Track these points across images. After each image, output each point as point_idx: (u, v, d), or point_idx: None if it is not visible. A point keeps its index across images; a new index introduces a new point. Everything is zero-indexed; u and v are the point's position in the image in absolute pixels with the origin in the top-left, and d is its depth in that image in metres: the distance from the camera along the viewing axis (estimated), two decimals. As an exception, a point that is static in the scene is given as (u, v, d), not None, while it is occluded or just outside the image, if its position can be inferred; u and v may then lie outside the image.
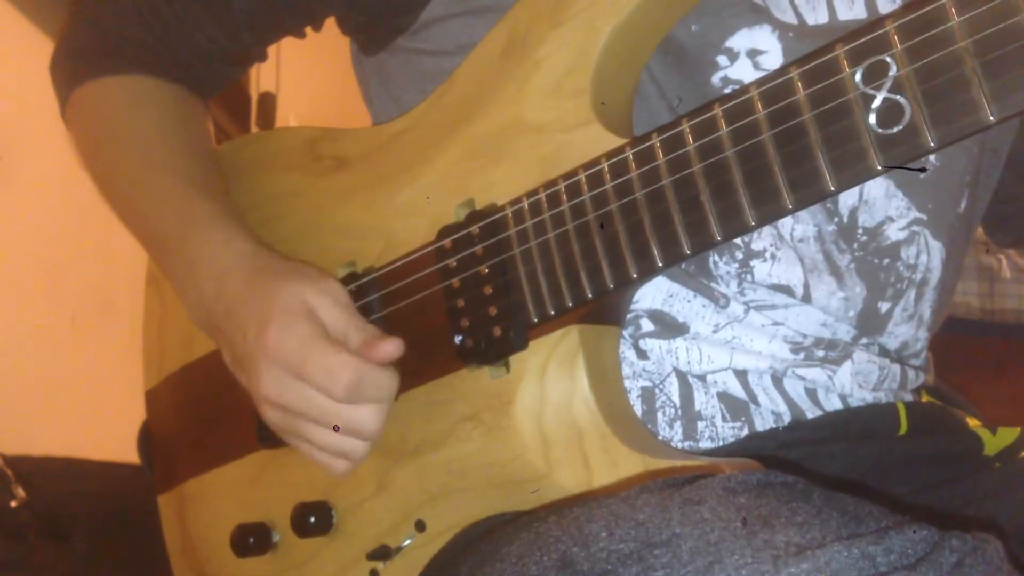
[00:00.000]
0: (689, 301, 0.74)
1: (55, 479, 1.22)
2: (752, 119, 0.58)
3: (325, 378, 0.69)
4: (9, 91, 1.57)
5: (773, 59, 0.73)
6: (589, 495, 0.66)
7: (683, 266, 0.74)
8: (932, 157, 0.78)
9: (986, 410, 0.89)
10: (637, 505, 0.53)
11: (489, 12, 0.75)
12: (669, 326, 0.74)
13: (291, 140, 0.90)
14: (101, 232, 1.59)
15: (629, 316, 0.74)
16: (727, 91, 0.73)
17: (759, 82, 0.58)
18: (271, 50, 0.97)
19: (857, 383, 0.77)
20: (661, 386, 0.74)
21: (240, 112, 2.08)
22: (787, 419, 0.75)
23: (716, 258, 0.74)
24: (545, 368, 0.69)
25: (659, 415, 0.74)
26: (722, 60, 0.73)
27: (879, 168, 0.54)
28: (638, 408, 0.74)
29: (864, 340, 0.78)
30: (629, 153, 0.64)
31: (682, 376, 0.74)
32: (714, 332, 0.74)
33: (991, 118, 0.50)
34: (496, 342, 0.70)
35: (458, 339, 0.72)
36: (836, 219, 0.75)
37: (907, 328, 0.80)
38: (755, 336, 0.74)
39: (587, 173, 0.66)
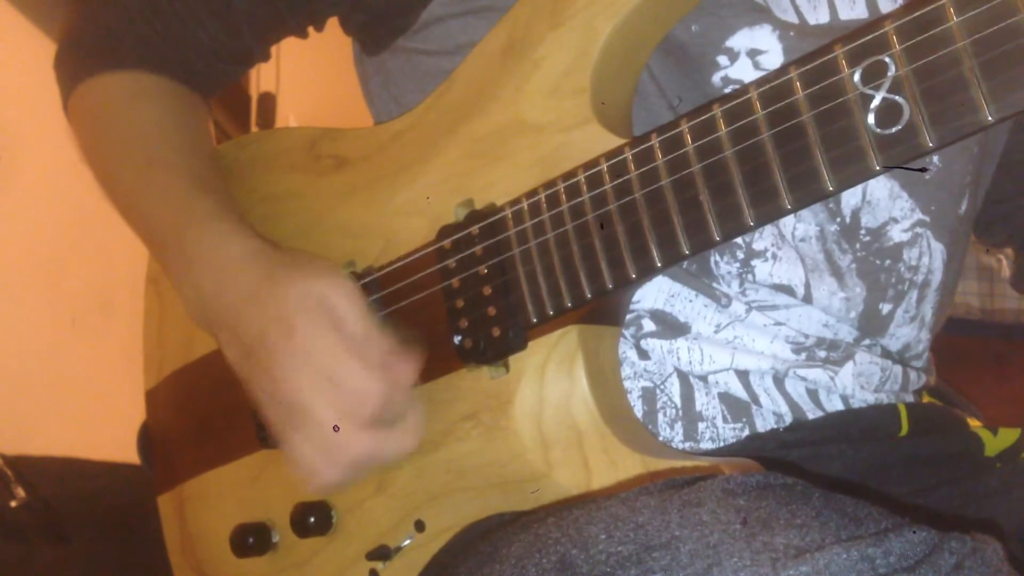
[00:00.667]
0: (691, 301, 0.73)
1: (55, 479, 1.22)
2: (751, 119, 0.58)
3: (354, 399, 0.67)
4: (9, 91, 1.57)
5: (774, 59, 0.73)
6: (588, 495, 0.66)
7: (685, 266, 0.73)
8: (935, 158, 0.78)
9: (987, 411, 0.89)
10: (636, 507, 0.53)
11: (489, 12, 0.75)
12: (671, 326, 0.74)
13: (291, 140, 0.90)
14: (101, 232, 1.59)
15: (631, 316, 0.74)
16: (727, 91, 0.73)
17: (758, 82, 0.58)
18: (271, 51, 0.97)
19: (859, 384, 0.77)
20: (662, 386, 0.74)
21: (240, 112, 2.08)
22: (788, 420, 0.75)
23: (717, 258, 0.74)
24: (544, 368, 0.68)
25: (660, 416, 0.74)
26: (722, 60, 0.73)
27: (877, 168, 0.54)
28: (639, 408, 0.74)
29: (866, 341, 0.78)
30: (628, 153, 0.64)
31: (683, 376, 0.74)
32: (716, 332, 0.74)
33: (990, 118, 0.50)
34: (495, 342, 0.70)
35: (457, 339, 0.72)
36: (838, 219, 0.75)
37: (909, 330, 0.80)
38: (757, 336, 0.74)
39: (586, 173, 0.66)
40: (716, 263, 0.74)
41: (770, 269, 0.74)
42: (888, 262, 0.77)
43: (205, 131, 0.92)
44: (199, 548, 0.94)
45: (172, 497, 0.98)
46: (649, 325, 0.74)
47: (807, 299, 0.74)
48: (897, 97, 0.53)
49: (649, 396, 0.74)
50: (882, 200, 0.75)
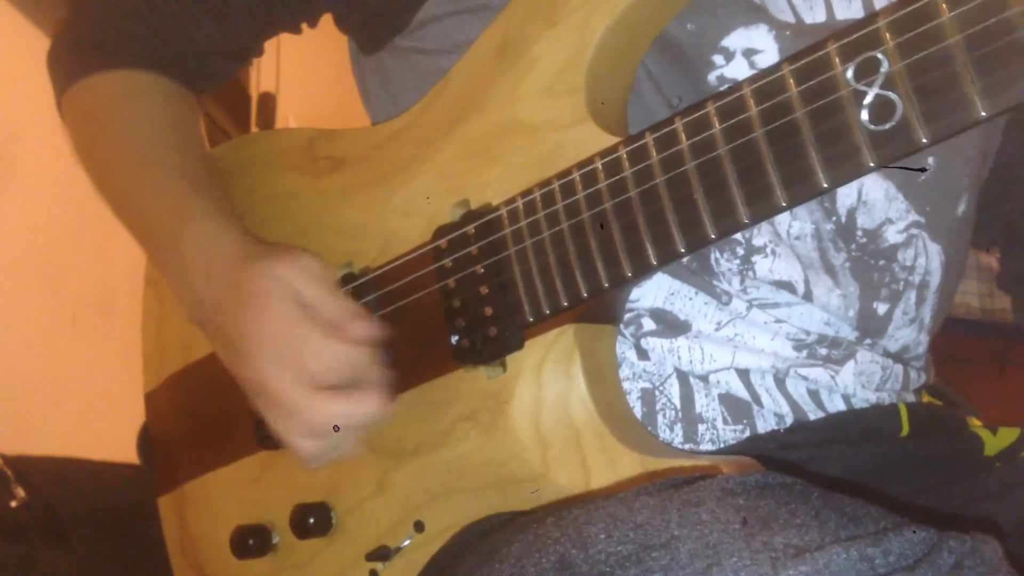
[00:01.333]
0: (691, 299, 0.73)
1: (55, 479, 1.22)
2: (745, 116, 0.58)
3: (301, 361, 0.68)
4: (9, 91, 1.57)
5: (769, 58, 0.72)
6: (587, 495, 0.66)
7: (685, 263, 0.73)
8: (931, 160, 0.77)
9: (986, 410, 0.89)
10: (635, 507, 0.53)
11: (485, 11, 0.75)
12: (671, 324, 0.74)
13: (289, 140, 0.90)
14: (101, 232, 1.59)
15: (630, 315, 0.74)
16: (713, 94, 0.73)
17: (751, 79, 0.58)
18: (271, 51, 0.97)
19: (860, 383, 0.77)
20: (661, 388, 0.74)
21: (240, 112, 2.08)
22: (789, 420, 0.75)
23: (718, 255, 0.74)
24: (541, 368, 0.68)
25: (659, 417, 0.74)
26: (718, 59, 0.72)
27: (871, 164, 0.54)
28: (638, 410, 0.74)
29: (867, 341, 0.78)
30: (623, 152, 0.64)
31: (683, 377, 0.74)
32: (716, 330, 0.73)
33: (983, 113, 0.50)
34: (492, 342, 0.70)
35: (454, 339, 0.72)
36: (834, 218, 0.75)
37: (908, 331, 0.80)
38: (757, 333, 0.74)
39: (581, 172, 0.66)
40: (716, 260, 0.74)
41: (770, 265, 0.73)
42: (882, 262, 0.76)
43: (198, 130, 0.92)
44: (200, 549, 0.94)
45: (173, 498, 0.98)
46: (649, 324, 0.74)
47: (807, 296, 0.74)
48: (890, 93, 0.53)
49: (648, 398, 0.74)
50: (878, 201, 0.75)
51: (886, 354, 0.79)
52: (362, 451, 0.75)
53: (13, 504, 1.14)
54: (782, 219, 0.74)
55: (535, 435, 0.69)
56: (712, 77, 0.72)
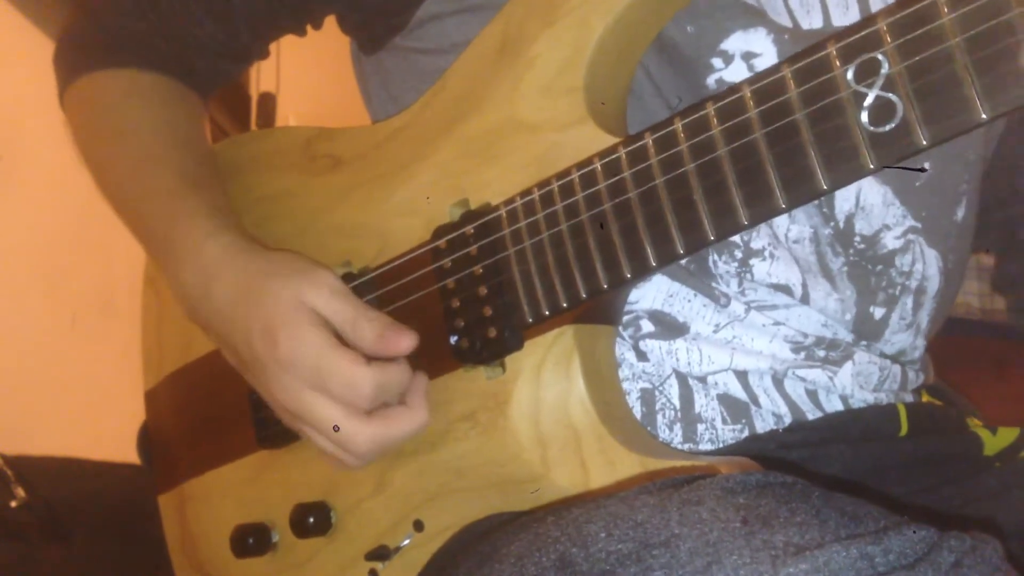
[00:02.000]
0: (689, 301, 0.73)
1: (55, 479, 1.22)
2: (744, 117, 0.58)
3: (347, 392, 0.68)
4: (9, 91, 1.57)
5: (768, 62, 0.72)
6: (587, 496, 0.66)
7: (683, 265, 0.73)
8: (927, 164, 0.77)
9: (986, 410, 0.89)
10: (636, 506, 0.53)
11: (483, 10, 0.75)
12: (669, 326, 0.74)
13: (287, 139, 0.90)
14: (101, 232, 1.58)
15: (629, 317, 0.74)
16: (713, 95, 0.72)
17: (751, 80, 0.58)
18: (271, 51, 0.97)
19: (858, 384, 0.77)
20: (661, 388, 0.74)
21: (240, 112, 2.07)
22: (788, 420, 0.75)
23: (716, 257, 0.74)
24: (541, 368, 0.68)
25: (659, 417, 0.74)
26: (717, 62, 0.72)
27: (871, 166, 0.54)
28: (638, 410, 0.74)
29: (863, 343, 0.78)
30: (622, 152, 0.64)
31: (682, 378, 0.74)
32: (714, 332, 0.73)
33: (984, 115, 0.50)
34: (491, 342, 0.70)
35: (454, 339, 0.72)
36: (832, 223, 0.75)
37: (905, 336, 0.80)
38: (756, 336, 0.74)
39: (580, 172, 0.66)
40: (715, 262, 0.74)
41: (768, 268, 0.73)
42: (880, 267, 0.77)
43: (200, 129, 0.92)
44: (200, 548, 0.94)
45: (173, 497, 0.98)
46: (647, 326, 0.74)
47: (805, 299, 0.74)
48: (890, 95, 0.53)
49: (648, 398, 0.74)
50: (876, 206, 0.75)
51: (883, 355, 0.79)
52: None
53: (13, 504, 1.14)
54: (780, 222, 0.74)
55: (534, 435, 0.69)
56: (711, 80, 0.72)
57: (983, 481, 0.79)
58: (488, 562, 0.58)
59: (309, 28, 0.92)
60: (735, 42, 0.72)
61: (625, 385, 0.74)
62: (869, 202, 0.75)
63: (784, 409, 0.74)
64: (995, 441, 0.82)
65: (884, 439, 0.78)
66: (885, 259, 0.76)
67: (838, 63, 0.54)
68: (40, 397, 1.58)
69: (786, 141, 0.56)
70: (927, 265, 0.79)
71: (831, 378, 0.75)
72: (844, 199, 0.75)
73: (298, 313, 0.70)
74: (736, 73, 0.72)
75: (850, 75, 0.54)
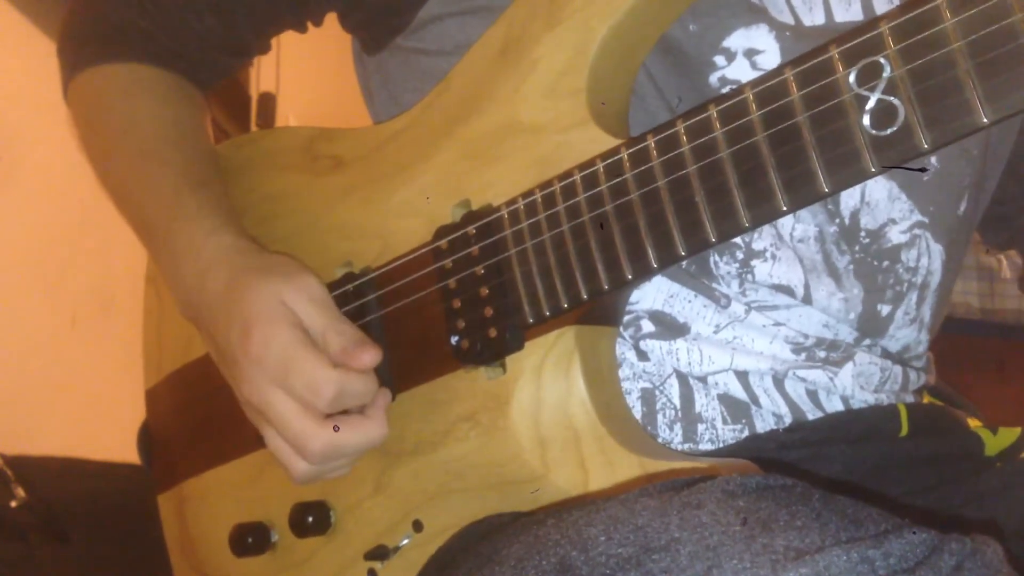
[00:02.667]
0: (690, 301, 0.73)
1: (55, 479, 1.22)
2: (747, 120, 0.58)
3: (307, 392, 0.68)
4: (9, 91, 1.57)
5: (771, 59, 0.72)
6: (586, 497, 0.66)
7: (684, 266, 0.73)
8: (933, 160, 0.77)
9: (986, 410, 0.89)
10: (636, 509, 0.53)
11: (486, 12, 0.75)
12: (670, 327, 0.74)
13: (289, 140, 0.90)
14: (101, 232, 1.59)
15: (629, 317, 0.74)
16: (725, 91, 0.72)
17: (754, 83, 0.58)
18: (271, 51, 0.97)
19: (859, 384, 0.76)
20: (661, 388, 0.74)
21: (240, 112, 2.07)
22: (788, 420, 0.75)
23: (717, 258, 0.74)
24: (541, 369, 0.68)
25: (659, 417, 0.74)
26: (719, 60, 0.72)
27: (873, 170, 0.54)
28: (638, 410, 0.74)
29: (866, 342, 0.77)
30: (624, 154, 0.64)
31: (683, 378, 0.74)
32: (715, 332, 0.73)
33: (985, 120, 0.50)
34: (492, 343, 0.70)
35: (454, 340, 0.72)
36: (837, 220, 0.75)
37: (909, 331, 0.80)
38: (756, 336, 0.74)
39: (582, 174, 0.66)
40: (715, 263, 0.74)
41: (770, 269, 0.73)
42: (886, 263, 0.76)
43: (201, 125, 0.92)
44: (199, 547, 0.94)
45: (172, 496, 0.98)
46: (648, 326, 0.74)
47: (806, 300, 0.74)
48: (892, 98, 0.53)
49: (648, 397, 0.74)
50: (881, 201, 0.75)
51: (885, 355, 0.79)
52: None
53: (13, 504, 1.14)
54: (785, 222, 0.74)
55: (534, 436, 0.68)
56: (714, 78, 0.72)
57: (984, 481, 0.79)
58: (488, 564, 0.58)
59: (310, 25, 0.92)
60: (737, 39, 0.72)
61: (625, 385, 0.74)
62: (875, 197, 0.75)
63: (784, 409, 0.74)
64: (996, 441, 0.82)
65: (885, 439, 0.78)
66: (891, 254, 0.76)
67: (840, 66, 0.54)
68: (40, 397, 1.58)
69: (788, 144, 0.56)
70: (932, 260, 0.79)
71: (832, 379, 0.75)
72: (849, 195, 0.75)
73: (275, 312, 0.71)
74: (739, 70, 0.72)
75: (852, 78, 0.54)
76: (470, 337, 0.71)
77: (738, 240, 0.73)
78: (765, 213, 0.58)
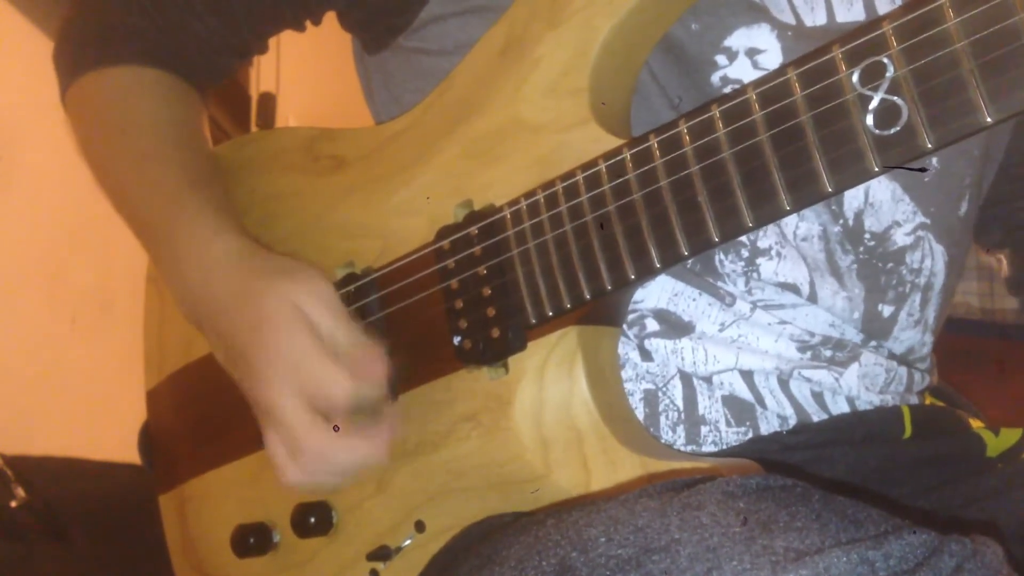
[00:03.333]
0: (695, 300, 0.73)
1: (55, 479, 1.22)
2: (749, 120, 0.58)
3: (319, 396, 0.68)
4: (9, 91, 1.57)
5: (772, 58, 0.72)
6: (588, 497, 0.66)
7: (689, 264, 0.73)
8: (934, 160, 0.77)
9: (988, 411, 0.89)
10: (636, 510, 0.53)
11: (487, 11, 0.75)
12: (674, 326, 0.74)
13: (290, 140, 0.90)
14: (101, 232, 1.58)
15: (634, 316, 0.74)
16: (726, 90, 0.72)
17: (756, 83, 0.58)
18: (271, 51, 0.96)
19: (864, 385, 0.76)
20: (664, 389, 0.74)
21: (240, 112, 2.07)
22: (793, 422, 0.75)
23: (722, 256, 0.74)
24: (544, 369, 0.68)
25: (662, 419, 0.74)
26: (721, 59, 0.72)
27: (876, 169, 0.54)
28: (640, 411, 0.74)
29: (872, 344, 0.77)
30: (627, 154, 0.64)
31: (686, 379, 0.74)
32: (720, 331, 0.73)
33: (988, 119, 0.50)
34: (494, 343, 0.70)
35: (457, 340, 0.72)
36: (841, 221, 0.75)
37: (913, 333, 0.80)
38: (761, 335, 0.74)
39: (585, 174, 0.66)
40: (721, 261, 0.74)
41: (775, 267, 0.73)
42: (890, 265, 0.76)
43: (200, 127, 0.92)
44: (200, 548, 0.94)
45: (173, 497, 0.98)
46: (652, 325, 0.74)
47: (812, 298, 0.74)
48: (896, 98, 0.53)
49: (651, 399, 0.74)
50: (885, 203, 0.75)
51: (891, 356, 0.79)
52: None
53: (13, 504, 1.14)
54: (789, 220, 0.74)
55: (537, 436, 0.69)
56: (715, 77, 0.72)
57: (986, 482, 0.79)
58: (488, 565, 0.58)
59: (310, 25, 0.91)
60: (739, 39, 0.72)
61: (628, 386, 0.74)
62: (878, 199, 0.75)
63: (789, 411, 0.74)
64: (997, 442, 0.82)
65: (888, 441, 0.78)
66: (895, 256, 0.76)
67: (843, 66, 0.54)
68: (40, 397, 1.58)
69: (791, 144, 0.56)
70: (935, 261, 0.79)
71: (837, 379, 0.75)
72: (853, 196, 0.75)
73: (288, 315, 0.70)
74: (740, 70, 0.72)
75: (855, 78, 0.54)
76: (472, 337, 0.71)
77: (743, 238, 0.73)
78: (768, 213, 0.58)
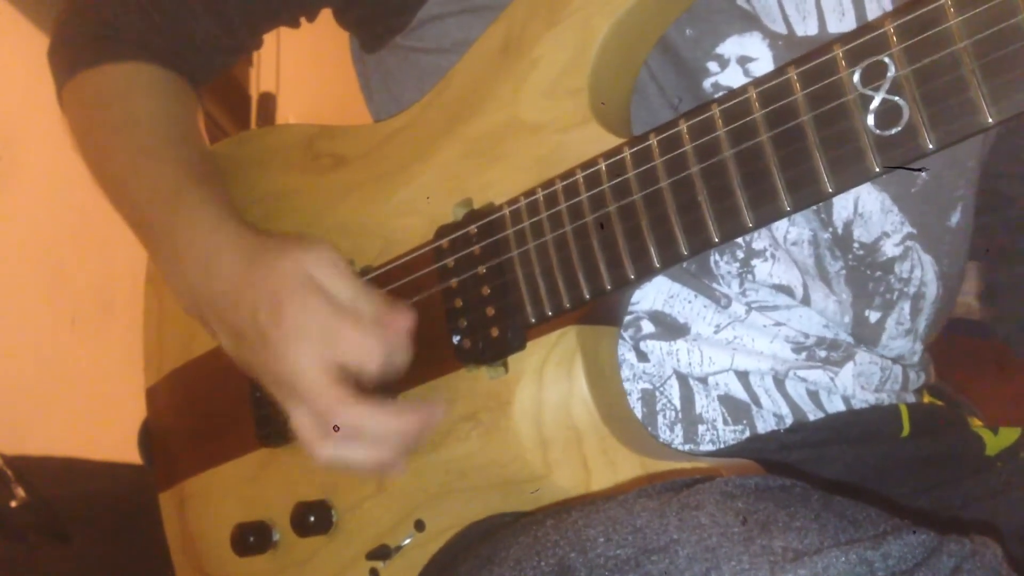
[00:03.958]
0: (690, 302, 0.73)
1: (55, 479, 1.22)
2: (750, 119, 0.58)
3: (356, 358, 0.67)
4: (9, 91, 1.57)
5: (763, 66, 0.72)
6: (588, 497, 0.66)
7: (684, 265, 0.73)
8: (924, 172, 0.77)
9: (987, 410, 0.89)
10: (635, 510, 0.53)
11: (486, 10, 0.75)
12: (670, 327, 0.74)
13: (289, 138, 0.90)
14: (101, 232, 1.58)
15: (630, 318, 0.74)
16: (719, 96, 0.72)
17: (757, 82, 0.58)
18: (271, 51, 0.97)
19: (859, 384, 0.76)
20: (662, 388, 0.74)
21: (240, 112, 2.07)
22: (789, 421, 0.75)
23: (717, 257, 0.74)
24: (543, 369, 0.68)
25: (659, 418, 0.74)
26: (713, 66, 0.72)
27: (877, 169, 0.54)
28: (638, 411, 0.74)
29: (863, 347, 0.78)
30: (627, 153, 0.64)
31: (683, 378, 0.74)
32: (715, 333, 0.73)
33: (990, 120, 0.50)
34: (494, 343, 0.70)
35: (456, 339, 0.72)
36: (830, 229, 0.75)
37: (904, 342, 0.80)
38: (757, 336, 0.74)
39: (584, 173, 0.66)
40: (716, 263, 0.74)
41: (770, 269, 0.73)
42: (879, 274, 0.77)
43: (197, 124, 0.92)
44: (200, 546, 0.94)
45: (173, 495, 0.98)
46: (648, 327, 0.74)
47: (805, 301, 0.74)
48: (897, 98, 0.53)
49: (648, 398, 0.74)
50: (874, 213, 0.75)
51: (884, 356, 0.79)
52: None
53: (13, 504, 1.14)
54: (779, 224, 0.74)
55: (536, 436, 0.69)
56: (707, 84, 0.73)
57: (985, 481, 0.79)
58: (488, 565, 0.58)
59: (308, 24, 0.92)
60: (731, 46, 0.72)
61: (626, 386, 0.74)
62: (867, 209, 0.75)
63: (785, 410, 0.74)
64: (996, 441, 0.82)
65: (886, 440, 0.78)
66: (884, 266, 0.77)
67: (844, 65, 0.54)
68: (40, 397, 1.58)
69: (791, 144, 0.56)
70: (924, 271, 0.79)
71: (832, 379, 0.75)
72: (842, 206, 0.75)
73: (304, 284, 0.69)
74: (732, 77, 0.72)
75: (856, 78, 0.54)
76: (472, 336, 0.71)
77: (739, 240, 0.73)
78: (768, 213, 0.58)
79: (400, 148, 0.79)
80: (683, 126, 0.61)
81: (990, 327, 0.97)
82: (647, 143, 0.63)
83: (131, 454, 1.04)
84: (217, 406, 0.91)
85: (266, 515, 0.85)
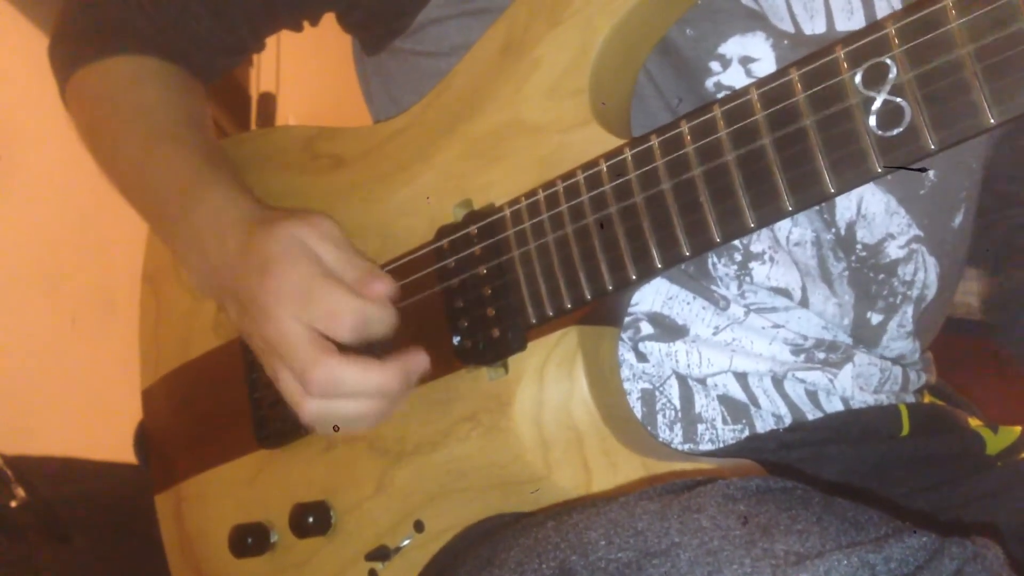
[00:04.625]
0: (689, 303, 0.73)
1: (55, 479, 1.22)
2: (751, 120, 0.58)
3: (328, 318, 0.68)
4: (9, 91, 1.57)
5: (766, 67, 0.72)
6: (588, 498, 0.66)
7: (683, 267, 0.73)
8: (931, 172, 0.77)
9: (987, 410, 0.89)
10: (636, 513, 0.53)
11: (486, 13, 0.75)
12: (668, 329, 0.74)
13: (288, 138, 0.90)
14: (101, 232, 1.59)
15: (628, 319, 0.74)
16: (720, 96, 0.72)
17: (759, 83, 0.58)
18: (271, 51, 0.97)
19: (858, 386, 0.76)
20: (661, 388, 0.74)
21: (240, 112, 2.07)
22: (788, 421, 0.75)
23: (715, 259, 0.74)
24: (544, 369, 0.68)
25: (659, 417, 0.74)
26: (715, 66, 0.72)
27: (879, 170, 0.54)
28: (638, 410, 0.74)
29: (862, 348, 0.77)
30: (628, 154, 0.64)
31: (682, 379, 0.74)
32: (714, 334, 0.73)
33: (992, 120, 0.50)
34: (494, 343, 0.70)
35: (456, 340, 0.72)
36: (833, 229, 0.75)
37: (904, 343, 0.80)
38: (755, 338, 0.73)
39: (586, 174, 0.66)
40: (714, 265, 0.74)
41: (768, 272, 0.73)
42: (882, 276, 0.76)
43: (207, 117, 0.92)
44: (197, 548, 0.94)
45: (170, 497, 0.98)
46: (647, 328, 0.74)
47: (804, 303, 0.74)
48: (898, 99, 0.53)
49: (648, 398, 0.74)
50: (879, 215, 0.75)
51: (883, 357, 0.79)
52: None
53: (13, 504, 1.14)
54: (782, 225, 0.74)
55: (537, 437, 0.68)
56: (709, 84, 0.72)
57: (985, 480, 0.79)
58: (487, 567, 0.58)
59: (307, 25, 0.91)
60: (733, 46, 0.72)
61: (625, 385, 0.74)
62: (871, 211, 0.75)
63: (784, 410, 0.74)
64: (997, 440, 0.82)
65: (885, 439, 0.78)
66: (888, 268, 0.76)
67: (846, 67, 0.54)
68: (40, 397, 1.58)
69: (793, 145, 0.56)
70: (928, 273, 0.79)
71: (831, 380, 0.75)
72: (845, 207, 0.74)
73: (293, 249, 0.70)
74: (734, 77, 0.72)
75: (858, 79, 0.54)
76: (472, 337, 0.71)
77: (736, 242, 0.73)
78: (770, 214, 0.58)
79: (400, 148, 0.79)
80: (684, 127, 0.61)
81: (996, 340, 0.97)
82: (648, 144, 0.63)
83: (131, 454, 1.04)
84: (215, 407, 0.91)
85: (264, 516, 0.85)
